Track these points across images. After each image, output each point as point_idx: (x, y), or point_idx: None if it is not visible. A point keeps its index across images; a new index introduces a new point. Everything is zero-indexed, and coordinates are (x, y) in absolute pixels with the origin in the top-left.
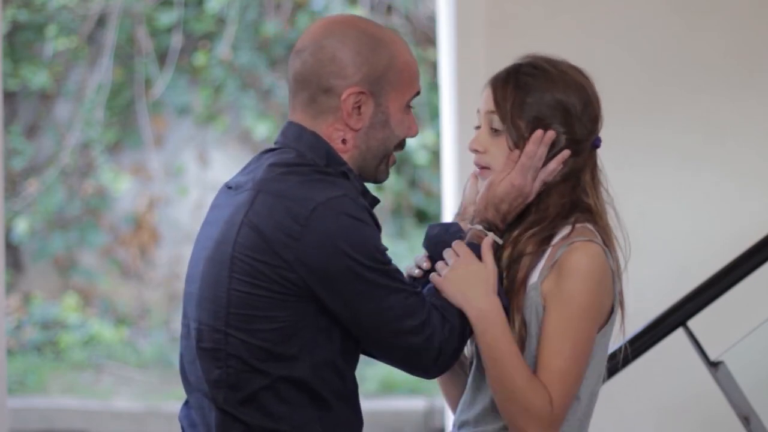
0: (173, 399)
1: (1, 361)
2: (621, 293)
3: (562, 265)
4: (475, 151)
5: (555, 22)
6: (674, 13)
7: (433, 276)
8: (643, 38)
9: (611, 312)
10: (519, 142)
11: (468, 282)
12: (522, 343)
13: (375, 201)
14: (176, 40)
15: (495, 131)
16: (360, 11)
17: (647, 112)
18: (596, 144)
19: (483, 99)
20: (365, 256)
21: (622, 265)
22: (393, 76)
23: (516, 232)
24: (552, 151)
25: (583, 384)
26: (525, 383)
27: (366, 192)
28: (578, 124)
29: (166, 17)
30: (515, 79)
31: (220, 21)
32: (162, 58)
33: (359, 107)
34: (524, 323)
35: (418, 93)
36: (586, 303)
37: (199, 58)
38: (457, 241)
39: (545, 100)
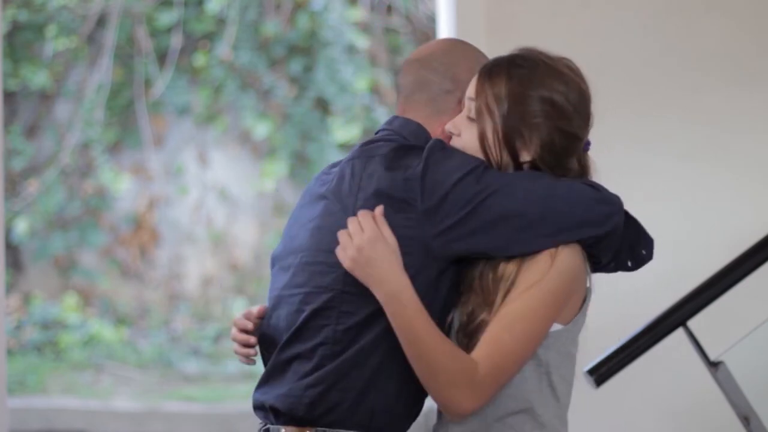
0: (173, 399)
1: (1, 361)
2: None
3: (545, 254)
4: (450, 133)
5: (555, 21)
6: (673, 12)
7: (338, 253)
8: (643, 38)
9: (581, 308)
10: (497, 137)
11: (374, 263)
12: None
13: None
14: (176, 40)
15: (470, 119)
16: (360, 11)
17: (647, 112)
18: (585, 147)
19: (472, 85)
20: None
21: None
22: None
23: None
24: (549, 150)
25: (560, 383)
26: (447, 360)
27: None
28: (572, 121)
29: (166, 17)
30: (507, 71)
31: (220, 21)
32: (162, 58)
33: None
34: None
35: None
36: (555, 294)
37: (199, 58)
38: (362, 211)
39: (535, 95)
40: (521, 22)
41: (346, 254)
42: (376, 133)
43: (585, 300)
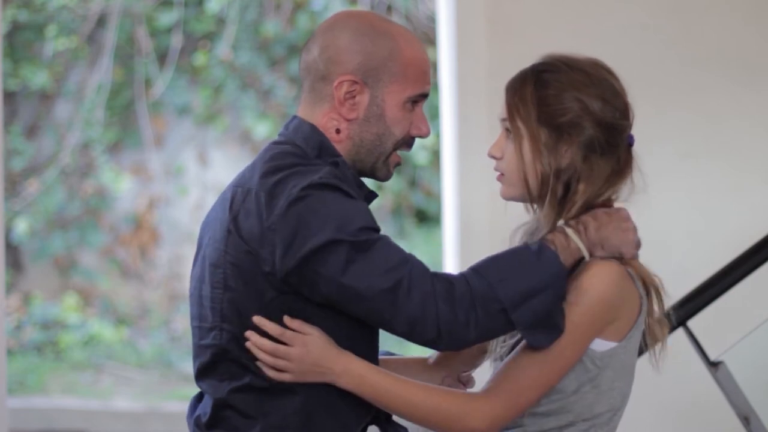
0: (173, 399)
1: (1, 361)
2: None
3: (574, 281)
4: (492, 157)
5: (555, 22)
6: (673, 12)
7: (281, 377)
8: (642, 36)
9: (636, 321)
10: (536, 146)
11: (321, 363)
12: None
13: (371, 195)
14: (176, 40)
15: (508, 132)
16: None
17: (647, 112)
18: (630, 141)
19: (501, 105)
20: (336, 233)
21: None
22: (393, 68)
23: None
24: (591, 147)
25: (615, 397)
26: (439, 414)
27: (361, 185)
28: (606, 114)
29: (166, 17)
30: (533, 80)
31: (220, 21)
32: (162, 58)
33: (354, 96)
34: None
35: (425, 95)
36: (577, 322)
37: (199, 58)
38: (271, 326)
39: (564, 95)
40: (521, 23)
41: (293, 375)
42: (279, 134)
43: (640, 312)
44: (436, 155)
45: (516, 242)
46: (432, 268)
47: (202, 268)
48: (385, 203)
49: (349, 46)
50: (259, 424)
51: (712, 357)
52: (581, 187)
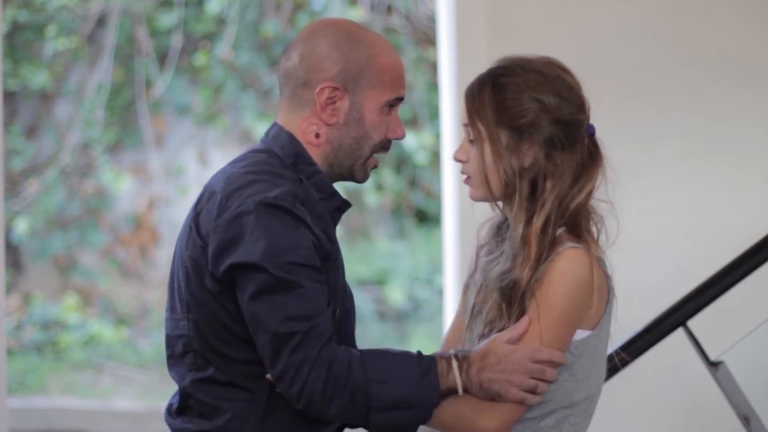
0: None
1: (1, 361)
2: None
3: (547, 272)
4: (458, 160)
5: (555, 21)
6: (673, 12)
7: None
8: (642, 36)
9: (602, 317)
10: (497, 148)
11: None
12: None
13: (344, 205)
14: (176, 41)
15: (471, 142)
16: (360, 11)
17: (646, 111)
18: (589, 131)
19: (462, 111)
20: (263, 260)
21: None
22: (371, 75)
23: (523, 228)
24: (552, 144)
25: (590, 385)
26: (450, 416)
27: (333, 194)
28: (563, 110)
29: (166, 18)
30: (491, 84)
31: (220, 21)
32: (162, 58)
33: (334, 102)
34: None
35: (401, 99)
36: (561, 308)
37: (199, 58)
38: None
39: (521, 96)
40: (521, 22)
41: None
42: (261, 141)
43: (608, 302)
44: (436, 155)
45: (482, 236)
46: (432, 269)
47: (174, 263)
48: (385, 203)
49: (329, 54)
50: (223, 414)
51: (712, 357)
52: (549, 184)
